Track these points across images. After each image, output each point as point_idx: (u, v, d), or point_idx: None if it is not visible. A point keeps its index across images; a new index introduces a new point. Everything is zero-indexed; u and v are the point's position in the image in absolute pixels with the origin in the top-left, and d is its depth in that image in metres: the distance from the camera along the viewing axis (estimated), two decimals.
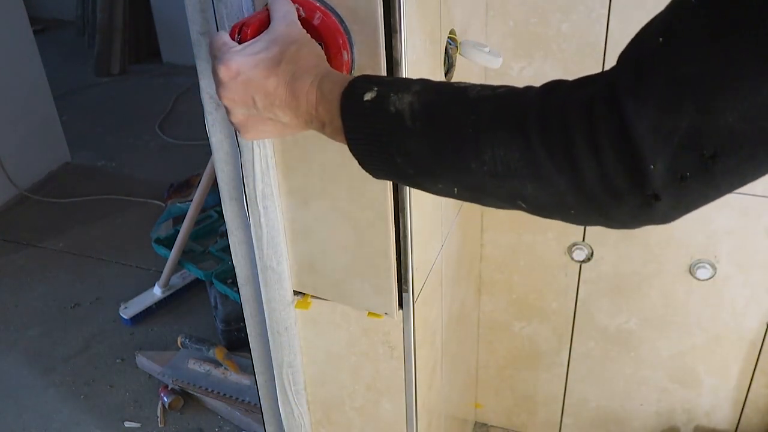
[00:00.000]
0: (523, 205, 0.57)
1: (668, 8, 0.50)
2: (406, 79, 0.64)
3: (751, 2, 0.44)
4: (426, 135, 0.58)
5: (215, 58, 0.68)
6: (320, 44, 0.73)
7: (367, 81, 0.62)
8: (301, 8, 0.73)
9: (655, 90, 0.48)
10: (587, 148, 0.50)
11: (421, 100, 0.58)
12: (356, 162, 0.63)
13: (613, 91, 0.50)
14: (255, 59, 0.66)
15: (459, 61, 1.05)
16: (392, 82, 0.62)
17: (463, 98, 0.58)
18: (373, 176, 0.64)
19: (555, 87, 0.54)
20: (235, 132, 0.87)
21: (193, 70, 0.92)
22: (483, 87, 0.58)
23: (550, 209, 0.56)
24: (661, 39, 0.49)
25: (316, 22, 0.73)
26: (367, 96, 0.60)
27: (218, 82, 0.67)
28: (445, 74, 1.02)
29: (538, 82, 0.56)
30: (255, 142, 0.86)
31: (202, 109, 0.90)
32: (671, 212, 0.52)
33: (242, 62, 0.66)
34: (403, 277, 0.95)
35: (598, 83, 0.51)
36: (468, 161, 0.56)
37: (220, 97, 0.68)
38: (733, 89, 0.46)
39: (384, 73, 0.79)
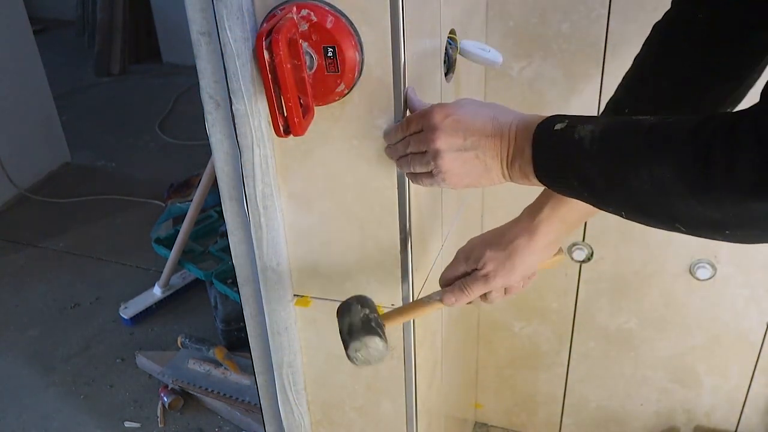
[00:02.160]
0: (682, 228, 0.62)
1: None
2: (596, 116, 0.71)
3: None
4: (599, 157, 0.65)
5: (426, 113, 0.77)
6: (334, 46, 0.77)
7: (562, 116, 0.70)
8: (312, 13, 0.76)
9: None
10: (729, 160, 0.54)
11: (601, 127, 0.65)
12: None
13: (755, 115, 0.54)
14: (460, 103, 0.77)
15: (459, 61, 1.05)
16: (583, 117, 0.69)
17: (635, 125, 0.64)
18: (557, 192, 0.72)
19: (710, 116, 0.59)
20: (235, 132, 0.87)
21: (193, 70, 0.92)
22: (657, 117, 0.64)
23: (707, 228, 0.60)
24: None
25: (329, 25, 0.77)
26: (558, 126, 0.68)
27: (432, 127, 0.76)
28: (445, 74, 1.02)
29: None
30: (254, 141, 0.86)
31: (202, 109, 0.90)
32: None
33: (451, 106, 0.76)
34: (405, 272, 0.95)
35: (745, 112, 0.56)
36: (630, 180, 0.62)
37: (433, 141, 0.75)
38: None
39: (390, 68, 0.81)
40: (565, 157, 0.67)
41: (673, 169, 0.58)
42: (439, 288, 0.89)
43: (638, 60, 0.87)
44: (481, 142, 0.74)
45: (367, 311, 0.84)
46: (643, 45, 0.86)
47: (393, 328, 0.98)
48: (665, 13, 0.84)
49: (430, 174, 0.78)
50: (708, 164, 0.55)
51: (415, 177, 0.81)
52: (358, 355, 0.81)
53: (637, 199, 0.62)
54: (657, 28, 0.85)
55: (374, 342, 0.81)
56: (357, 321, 0.83)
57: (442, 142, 0.75)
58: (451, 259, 0.89)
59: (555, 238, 0.85)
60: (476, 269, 0.85)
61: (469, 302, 0.87)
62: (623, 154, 0.63)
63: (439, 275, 0.89)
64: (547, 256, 0.87)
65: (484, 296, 0.86)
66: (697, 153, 0.56)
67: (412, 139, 0.79)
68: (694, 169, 0.57)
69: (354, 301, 0.86)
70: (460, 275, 0.87)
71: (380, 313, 0.86)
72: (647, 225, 0.66)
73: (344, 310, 0.85)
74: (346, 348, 0.82)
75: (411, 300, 0.97)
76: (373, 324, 0.83)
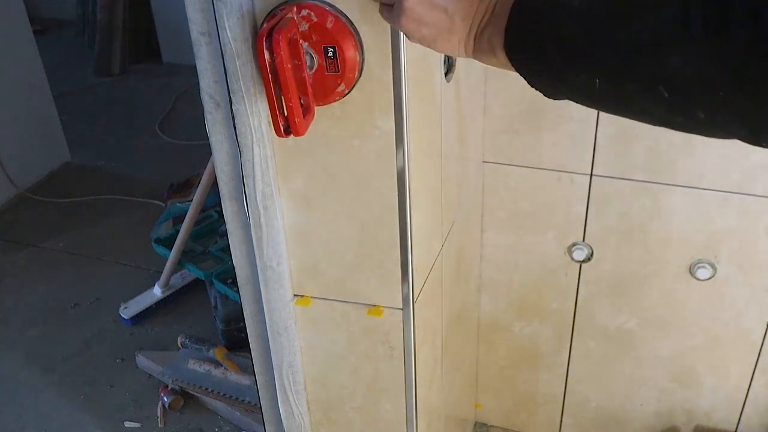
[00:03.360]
0: (665, 93, 0.53)
1: None
2: None
3: None
4: (587, 13, 0.57)
5: None
6: (334, 46, 0.77)
7: None
8: (312, 13, 0.76)
9: None
10: (738, 7, 0.47)
11: None
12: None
13: None
14: None
15: (459, 60, 1.05)
16: None
17: None
18: (520, 71, 0.63)
19: None
20: (235, 132, 0.87)
21: (193, 70, 0.92)
22: None
23: (695, 90, 0.52)
24: None
25: (329, 25, 0.77)
26: None
27: None
28: (445, 74, 1.02)
29: None
30: (254, 141, 0.86)
31: (202, 109, 0.90)
32: None
33: None
34: (405, 272, 0.95)
35: None
36: (618, 32, 0.54)
37: None
38: None
39: (390, 68, 0.81)
40: (546, 18, 0.59)
41: (675, 12, 0.51)
42: None
43: None
44: None
45: None
46: None
47: (393, 328, 0.99)
48: None
49: (390, 6, 0.71)
50: (717, 17, 0.48)
51: (381, 7, 0.73)
52: None
53: (622, 55, 0.55)
54: None
55: None
56: None
57: None
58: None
59: None
60: None
61: None
62: (615, 6, 0.55)
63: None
64: None
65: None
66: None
67: None
68: (698, 19, 0.49)
69: None
70: None
71: None
72: (621, 99, 0.58)
73: None
74: None
75: (411, 301, 0.97)
76: None
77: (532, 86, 0.63)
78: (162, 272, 2.32)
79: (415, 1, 0.67)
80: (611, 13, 0.55)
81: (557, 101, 0.66)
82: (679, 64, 0.51)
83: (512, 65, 0.63)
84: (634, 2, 0.54)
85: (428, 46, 0.70)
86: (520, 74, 0.63)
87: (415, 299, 0.97)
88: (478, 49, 0.66)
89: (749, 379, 1.46)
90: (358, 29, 0.79)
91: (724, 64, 0.49)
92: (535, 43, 0.60)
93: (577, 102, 0.62)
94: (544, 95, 0.64)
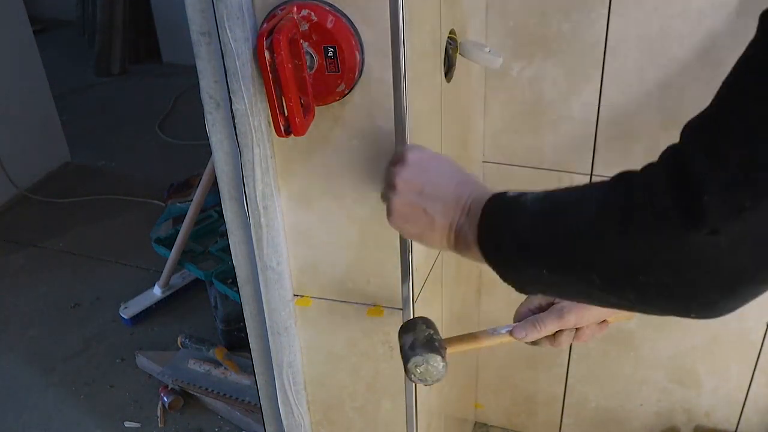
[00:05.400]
0: (597, 280, 0.59)
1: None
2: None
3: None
4: (535, 212, 0.65)
5: (406, 147, 0.80)
6: (334, 46, 0.77)
7: (518, 190, 0.71)
8: (312, 13, 0.77)
9: (711, 130, 0.52)
10: (644, 192, 0.53)
11: (549, 191, 0.66)
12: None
13: (673, 150, 0.54)
14: (438, 156, 0.79)
15: (459, 61, 1.05)
16: (539, 191, 0.69)
17: (580, 185, 0.65)
18: (491, 264, 0.70)
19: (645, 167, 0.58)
20: (235, 132, 0.87)
21: (193, 70, 0.92)
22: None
23: (620, 275, 0.57)
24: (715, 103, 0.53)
25: (329, 25, 0.77)
26: (511, 193, 0.70)
27: (402, 161, 0.77)
28: (445, 74, 1.02)
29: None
30: (254, 141, 0.86)
31: (202, 109, 0.90)
32: (735, 253, 0.50)
33: (429, 152, 0.79)
34: (405, 272, 0.95)
35: (666, 151, 0.55)
36: (557, 227, 0.62)
37: (395, 175, 0.76)
38: None
39: (390, 68, 0.81)
40: (506, 217, 0.68)
41: (597, 207, 0.58)
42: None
43: None
44: (437, 201, 0.74)
45: (432, 332, 0.86)
46: None
47: (393, 328, 0.99)
48: None
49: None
50: (631, 199, 0.55)
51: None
52: (417, 370, 0.83)
53: (560, 247, 0.62)
54: None
55: (435, 360, 0.83)
56: (421, 338, 0.85)
57: (401, 181, 0.76)
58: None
59: None
60: (552, 303, 0.84)
61: (535, 342, 0.85)
62: (555, 204, 0.64)
63: (515, 311, 0.88)
64: None
65: (553, 338, 0.84)
66: (623, 190, 0.56)
67: (386, 171, 0.80)
68: (617, 205, 0.56)
69: (420, 320, 0.88)
70: (535, 309, 0.85)
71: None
72: (566, 287, 0.65)
73: (409, 327, 0.87)
74: (406, 363, 0.84)
75: (411, 301, 0.97)
76: (436, 344, 0.85)
77: (503, 280, 0.69)
78: (162, 272, 2.32)
79: (401, 203, 0.76)
80: (551, 212, 0.64)
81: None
82: (607, 254, 0.58)
83: (485, 259, 0.70)
84: (569, 201, 0.63)
85: (418, 241, 0.79)
86: (491, 267, 0.69)
87: (415, 299, 0.97)
88: (458, 245, 0.74)
89: (749, 379, 1.46)
90: (358, 29, 0.79)
91: (643, 251, 0.55)
92: (497, 238, 0.68)
93: (543, 294, 0.69)
94: (515, 289, 0.70)
